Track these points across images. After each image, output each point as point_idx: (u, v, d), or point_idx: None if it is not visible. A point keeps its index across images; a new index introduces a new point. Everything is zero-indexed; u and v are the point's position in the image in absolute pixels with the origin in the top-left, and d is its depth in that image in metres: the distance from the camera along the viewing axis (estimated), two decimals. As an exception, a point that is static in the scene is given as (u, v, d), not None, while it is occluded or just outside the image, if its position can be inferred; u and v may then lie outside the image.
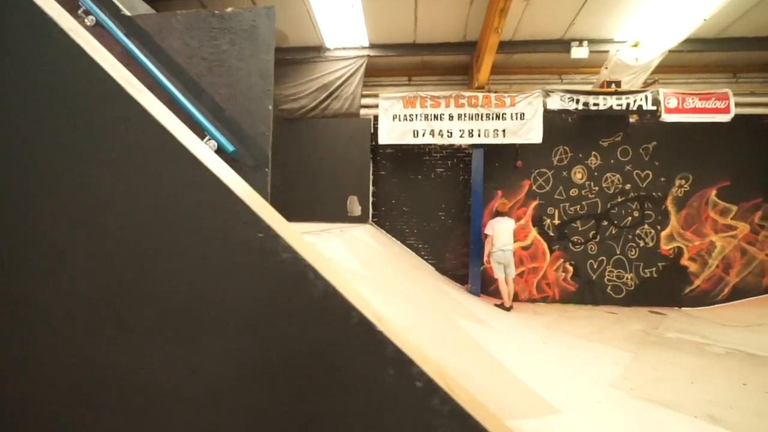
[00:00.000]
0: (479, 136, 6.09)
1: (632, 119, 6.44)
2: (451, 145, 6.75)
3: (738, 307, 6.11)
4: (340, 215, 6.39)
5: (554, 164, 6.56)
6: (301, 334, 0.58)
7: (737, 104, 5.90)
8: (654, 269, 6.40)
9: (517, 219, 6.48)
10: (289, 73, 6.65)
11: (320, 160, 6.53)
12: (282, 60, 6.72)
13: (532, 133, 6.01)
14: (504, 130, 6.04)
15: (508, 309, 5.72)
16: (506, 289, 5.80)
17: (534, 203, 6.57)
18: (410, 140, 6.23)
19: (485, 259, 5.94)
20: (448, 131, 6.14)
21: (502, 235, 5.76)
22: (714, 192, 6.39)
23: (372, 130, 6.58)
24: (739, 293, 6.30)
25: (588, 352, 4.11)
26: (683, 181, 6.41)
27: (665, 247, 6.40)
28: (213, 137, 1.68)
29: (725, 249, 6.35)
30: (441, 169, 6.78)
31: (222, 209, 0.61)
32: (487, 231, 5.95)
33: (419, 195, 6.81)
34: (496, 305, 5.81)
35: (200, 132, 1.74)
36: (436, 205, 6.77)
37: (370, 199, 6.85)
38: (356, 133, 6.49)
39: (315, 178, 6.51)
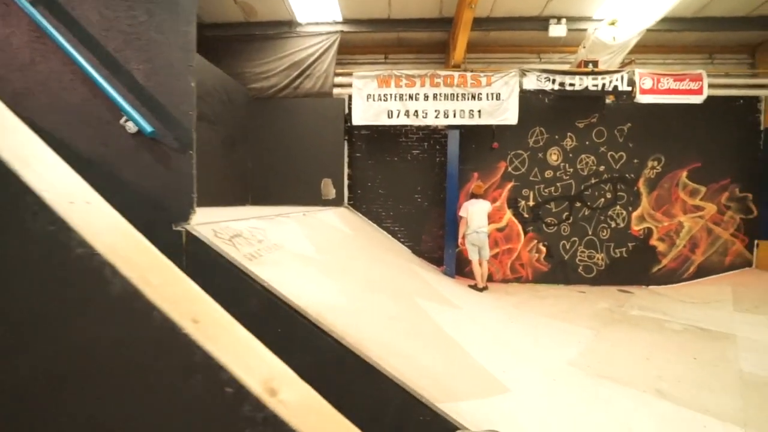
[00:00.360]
0: (455, 116, 5.99)
1: (608, 100, 6.41)
2: (427, 127, 6.64)
3: (701, 284, 6.32)
4: (314, 198, 6.28)
5: (530, 146, 6.53)
6: (99, 333, 0.52)
7: (712, 85, 5.91)
8: (624, 249, 6.54)
9: (493, 201, 6.50)
10: (258, 49, 6.36)
11: (294, 142, 6.35)
12: (251, 36, 6.43)
13: (508, 113, 5.93)
14: (480, 111, 5.95)
15: (481, 290, 5.80)
16: (479, 271, 5.86)
17: (509, 185, 6.57)
18: (385, 121, 6.09)
19: (460, 241, 5.97)
20: (423, 112, 6.02)
21: (476, 217, 5.78)
22: (685, 173, 6.48)
23: (347, 111, 6.41)
24: (703, 271, 6.52)
25: (553, 331, 4.20)
26: (656, 163, 6.47)
27: (636, 227, 6.52)
28: (130, 117, 1.56)
29: (693, 229, 6.51)
30: (417, 151, 6.69)
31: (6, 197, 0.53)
32: (461, 213, 5.95)
33: (395, 177, 6.73)
34: (469, 286, 5.88)
35: (118, 112, 1.62)
36: (413, 187, 6.72)
37: (346, 182, 6.75)
38: (330, 113, 6.31)
39: (289, 160, 6.36)
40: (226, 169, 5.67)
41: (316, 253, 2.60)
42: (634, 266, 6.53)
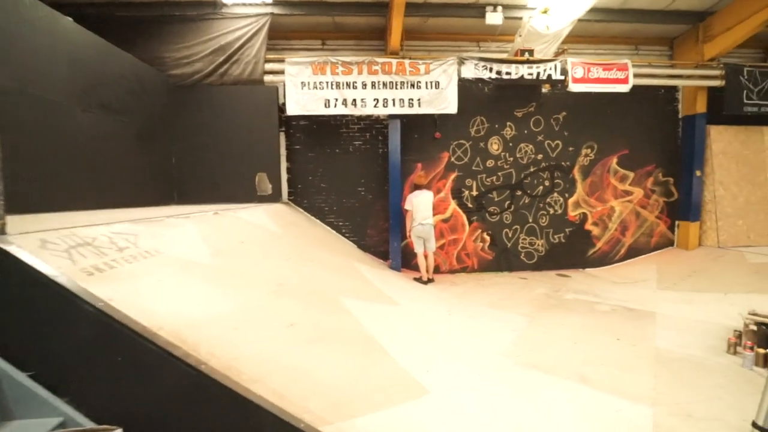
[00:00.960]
0: (394, 105, 5.80)
1: (544, 89, 6.53)
2: (369, 116, 6.41)
3: (630, 265, 6.72)
4: (248, 195, 5.85)
5: (472, 135, 6.52)
6: None
7: (637, 75, 6.17)
8: (562, 235, 6.78)
9: (437, 191, 6.43)
10: (179, 32, 5.75)
11: (224, 134, 5.85)
12: (170, 17, 5.80)
13: (448, 102, 5.85)
14: (419, 100, 5.81)
15: (427, 282, 5.73)
16: (424, 263, 5.79)
17: (453, 175, 6.54)
18: (322, 110, 5.77)
19: (408, 233, 5.85)
20: (362, 101, 5.76)
21: (421, 208, 5.67)
22: (615, 160, 6.80)
23: (283, 100, 5.99)
24: (632, 253, 6.92)
25: (489, 321, 4.20)
26: (589, 150, 6.73)
27: (572, 213, 6.77)
28: None
29: (623, 213, 6.88)
30: (359, 142, 6.45)
31: None
32: (406, 206, 5.82)
33: (337, 170, 6.45)
34: (414, 279, 5.80)
35: None
36: (356, 180, 6.48)
37: (284, 176, 6.37)
38: (262, 102, 5.87)
39: (220, 154, 5.85)
40: (141, 165, 5.09)
41: (210, 258, 2.28)
42: (572, 251, 6.79)
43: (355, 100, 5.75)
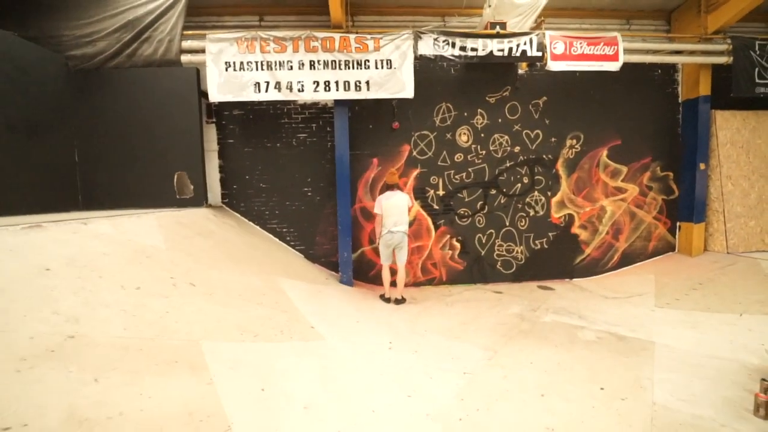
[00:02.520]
0: (338, 89, 4.85)
1: (521, 70, 5.58)
2: (315, 104, 5.47)
3: (625, 274, 5.76)
4: (165, 198, 4.90)
5: (437, 125, 5.57)
6: None
7: (629, 51, 5.21)
8: (545, 240, 5.83)
9: None
10: (78, 6, 4.80)
11: (137, 125, 4.89)
12: (71, -14, 4.84)
13: (402, 85, 4.89)
14: (368, 82, 4.86)
15: (398, 302, 4.78)
16: (389, 278, 4.84)
17: (415, 172, 5.59)
18: (251, 96, 4.81)
19: (377, 240, 4.91)
20: (299, 84, 4.81)
21: (392, 213, 4.69)
22: (605, 152, 5.85)
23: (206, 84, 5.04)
24: (627, 259, 5.97)
25: (438, 357, 3.25)
26: (574, 141, 5.78)
27: (556, 215, 5.82)
28: None
29: (615, 214, 5.92)
30: (304, 135, 5.50)
31: None
32: (375, 209, 4.84)
33: (279, 168, 5.50)
34: (381, 297, 4.85)
35: None
36: (301, 179, 5.53)
37: (215, 175, 5.43)
38: (180, 87, 4.92)
39: (132, 149, 4.90)
40: (27, 164, 4.15)
41: None
42: (556, 258, 5.84)
43: (290, 83, 4.81)
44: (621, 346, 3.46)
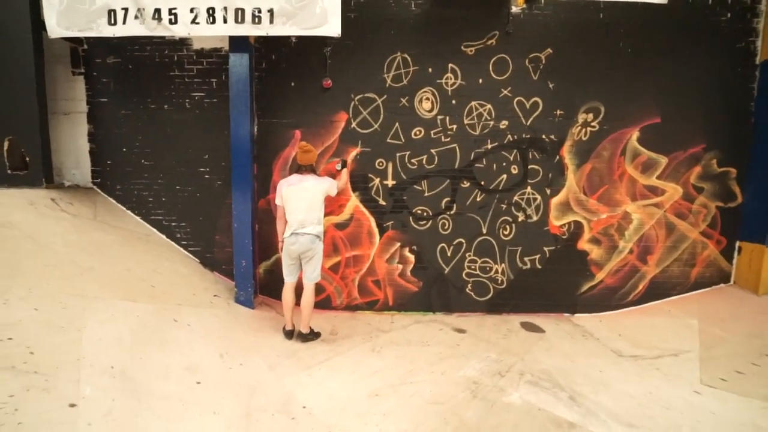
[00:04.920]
0: (225, 21, 3.26)
1: (516, 7, 3.80)
2: (216, 51, 3.90)
3: (653, 313, 3.97)
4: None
5: (388, 85, 3.90)
6: None
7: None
8: (538, 257, 4.10)
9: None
10: None
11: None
12: None
13: (324, 15, 3.25)
14: (271, 11, 3.23)
15: (306, 338, 3.31)
16: (291, 303, 3.34)
17: (354, 151, 3.96)
18: (104, 29, 3.31)
19: (279, 246, 3.40)
20: (170, 12, 3.26)
21: (298, 206, 3.22)
22: (636, 134, 4.01)
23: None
24: (658, 291, 4.17)
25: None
26: (590, 116, 3.97)
27: (556, 222, 4.07)
28: None
29: (644, 224, 4.11)
30: (200, 94, 3.96)
31: None
32: (276, 200, 3.36)
33: (167, 138, 4.01)
34: (284, 331, 3.36)
35: None
36: (196, 155, 4.02)
37: (86, 146, 4.01)
38: (6, 18, 3.46)
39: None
40: None
41: None
42: (553, 283, 4.12)
43: (158, 11, 3.25)
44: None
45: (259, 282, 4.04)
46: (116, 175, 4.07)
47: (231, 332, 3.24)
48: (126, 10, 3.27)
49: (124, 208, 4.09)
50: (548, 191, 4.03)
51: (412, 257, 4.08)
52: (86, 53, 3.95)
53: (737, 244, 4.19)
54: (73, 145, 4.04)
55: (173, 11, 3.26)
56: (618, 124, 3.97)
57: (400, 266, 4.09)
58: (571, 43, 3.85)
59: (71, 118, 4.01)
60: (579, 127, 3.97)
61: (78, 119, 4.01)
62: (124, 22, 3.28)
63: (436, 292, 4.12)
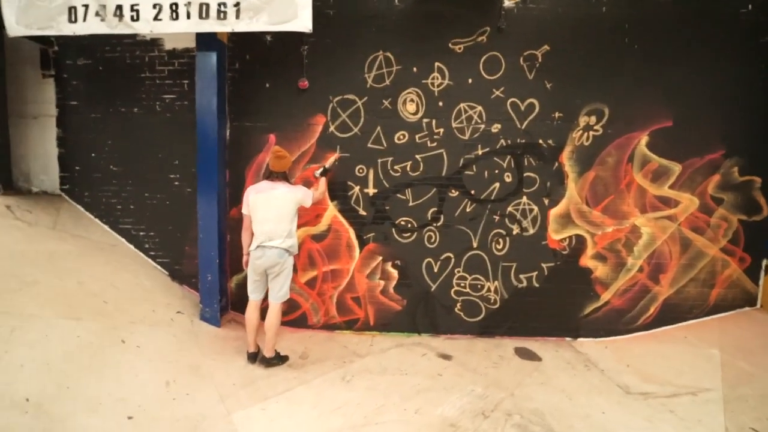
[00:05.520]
0: (189, 16, 3.03)
1: (509, 1, 3.48)
2: (187, 51, 3.68)
3: (667, 340, 3.51)
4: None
5: (369, 85, 3.61)
6: None
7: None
8: (535, 274, 3.70)
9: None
10: None
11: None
12: None
13: (294, 9, 2.99)
14: (237, 5, 3.00)
15: (266, 363, 2.99)
16: (254, 324, 3.03)
17: (333, 156, 3.66)
18: (64, 27, 3.12)
19: (245, 259, 3.11)
20: (132, 9, 3.05)
21: (267, 217, 2.95)
22: (645, 139, 3.61)
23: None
24: (672, 314, 3.70)
25: None
26: (593, 119, 3.59)
27: (556, 235, 3.67)
28: None
29: (656, 239, 3.67)
30: (171, 96, 3.74)
31: None
32: (243, 208, 3.08)
33: (136, 143, 3.79)
34: (250, 355, 3.04)
35: None
36: (166, 161, 3.79)
37: (55, 151, 3.83)
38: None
39: None
40: None
41: None
42: (553, 304, 3.70)
43: (120, 7, 3.05)
44: None
45: (230, 297, 3.75)
46: (85, 181, 3.86)
47: (186, 355, 2.93)
48: (87, 6, 3.07)
49: (92, 216, 3.87)
50: (546, 201, 3.65)
51: (395, 273, 3.73)
52: (57, 55, 3.79)
53: (764, 262, 3.72)
54: (42, 150, 3.86)
55: (135, 7, 3.05)
56: (624, 128, 3.58)
57: (382, 282, 3.75)
58: (571, 40, 3.50)
59: (40, 122, 3.84)
60: (580, 131, 3.59)
61: (47, 123, 3.84)
62: (84, 20, 3.09)
63: (422, 312, 3.75)
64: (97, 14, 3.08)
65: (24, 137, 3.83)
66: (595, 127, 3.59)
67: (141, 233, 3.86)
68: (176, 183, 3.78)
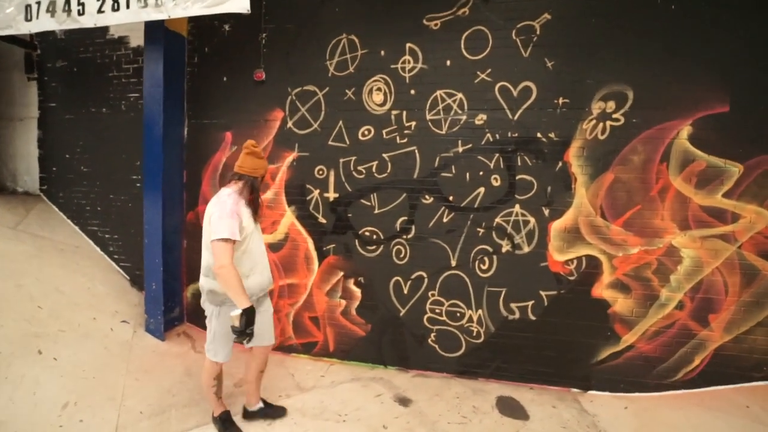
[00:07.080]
0: (129, 6, 2.81)
1: (497, -37, 2.81)
2: (141, 48, 3.52)
3: (718, 405, 2.51)
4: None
5: (331, 74, 3.14)
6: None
7: None
8: (531, 303, 2.92)
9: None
10: None
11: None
12: None
13: (228, -11, 2.64)
14: (174, -12, 2.72)
15: (253, 416, 2.45)
16: (219, 381, 2.31)
17: (290, 156, 3.24)
18: (21, 26, 3.11)
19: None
20: (78, 3, 2.93)
21: (257, 240, 2.23)
22: (687, 130, 2.68)
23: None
24: (727, 370, 2.68)
25: None
26: (611, 105, 2.75)
27: (559, 256, 2.87)
28: None
29: (704, 266, 2.70)
30: (135, 95, 3.60)
31: None
32: (223, 231, 1.94)
33: (102, 143, 3.72)
34: (215, 419, 2.41)
35: None
36: (129, 161, 3.65)
37: (35, 152, 3.92)
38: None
39: None
40: None
41: None
42: (556, 343, 2.89)
43: (68, 2, 2.95)
44: None
45: (186, 307, 3.48)
46: (60, 182, 3.88)
47: (108, 372, 2.66)
48: (39, 3, 3.03)
49: (65, 217, 3.87)
50: (546, 212, 2.87)
51: (358, 292, 3.19)
52: (39, 58, 3.86)
53: None
54: (26, 151, 3.96)
55: (81, 1, 2.92)
56: (655, 116, 2.70)
57: (344, 302, 3.22)
58: (579, 4, 2.73)
59: (25, 124, 3.95)
60: (594, 121, 2.77)
61: (30, 125, 3.94)
62: (37, 17, 3.04)
63: (389, 341, 3.15)
64: (47, 10, 3.02)
65: (11, 139, 3.96)
66: (615, 116, 2.75)
67: (106, 235, 3.76)
68: (138, 184, 3.63)
